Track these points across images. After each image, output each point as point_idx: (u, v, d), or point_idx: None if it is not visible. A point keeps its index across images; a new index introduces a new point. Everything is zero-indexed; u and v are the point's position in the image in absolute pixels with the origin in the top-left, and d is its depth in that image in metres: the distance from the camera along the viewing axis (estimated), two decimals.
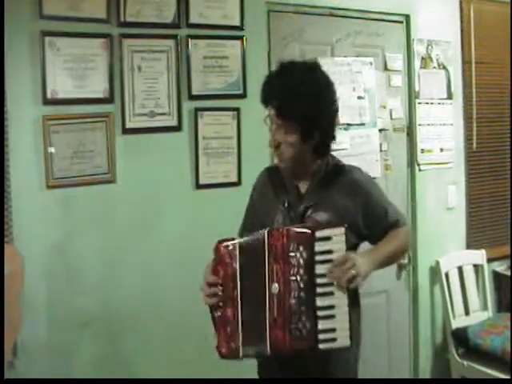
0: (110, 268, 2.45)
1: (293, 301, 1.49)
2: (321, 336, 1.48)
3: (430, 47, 3.26)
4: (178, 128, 2.57)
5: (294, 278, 1.50)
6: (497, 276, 3.55)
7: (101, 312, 2.43)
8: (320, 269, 1.50)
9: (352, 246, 1.64)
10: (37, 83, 2.29)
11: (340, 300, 1.49)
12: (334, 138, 1.70)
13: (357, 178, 1.71)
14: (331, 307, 1.49)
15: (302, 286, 1.49)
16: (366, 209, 1.68)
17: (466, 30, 3.38)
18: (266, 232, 1.54)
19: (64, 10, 2.31)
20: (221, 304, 1.58)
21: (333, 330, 1.48)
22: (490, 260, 3.45)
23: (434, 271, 3.27)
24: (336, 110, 1.68)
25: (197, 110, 2.60)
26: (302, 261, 1.50)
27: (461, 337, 3.12)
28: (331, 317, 1.48)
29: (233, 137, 2.68)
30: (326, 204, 1.65)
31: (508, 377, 2.82)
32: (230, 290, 1.57)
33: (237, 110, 2.68)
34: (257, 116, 2.72)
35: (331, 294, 1.49)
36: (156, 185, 2.54)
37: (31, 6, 2.26)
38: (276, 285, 1.51)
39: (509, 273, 3.47)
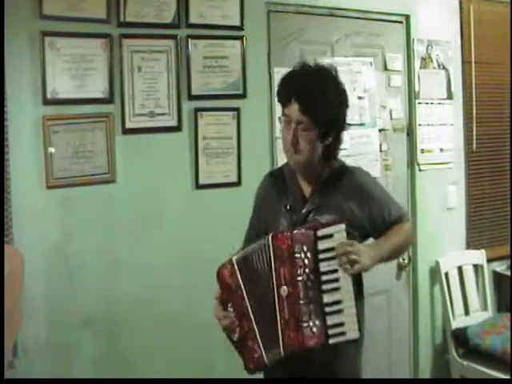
0: (109, 268, 2.45)
1: (302, 301, 1.53)
2: (330, 331, 1.51)
3: (429, 47, 3.26)
4: (177, 128, 2.57)
5: (300, 278, 1.53)
6: (497, 276, 3.55)
7: (101, 312, 2.43)
8: (324, 266, 1.53)
9: None
10: (37, 83, 2.29)
11: (346, 294, 1.53)
12: (342, 141, 1.79)
13: (360, 180, 1.76)
14: (338, 302, 1.52)
15: (309, 285, 1.53)
16: (369, 210, 1.72)
17: (466, 30, 3.38)
18: (270, 236, 1.57)
19: (64, 10, 2.31)
20: (237, 324, 1.62)
21: (341, 325, 1.51)
22: (489, 260, 3.45)
23: (434, 271, 3.28)
24: (346, 116, 1.75)
25: (197, 110, 2.60)
26: (306, 261, 1.53)
27: (461, 337, 3.12)
28: (339, 311, 1.52)
29: (233, 137, 2.68)
30: (329, 207, 1.69)
31: (508, 377, 2.82)
32: (239, 307, 1.61)
33: (237, 110, 2.68)
34: (257, 116, 2.76)
35: (337, 289, 1.53)
36: (156, 185, 2.54)
37: (31, 5, 2.26)
38: (285, 287, 1.54)
39: (509, 273, 3.47)
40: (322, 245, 1.54)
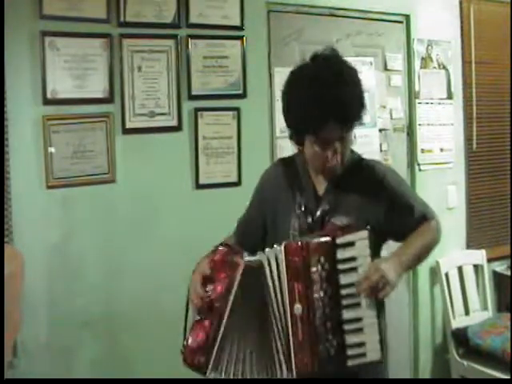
0: (109, 268, 2.45)
1: (318, 320, 1.38)
2: (349, 352, 1.38)
3: (429, 47, 3.26)
4: (178, 128, 2.57)
5: (317, 295, 1.39)
6: (497, 276, 3.55)
7: (101, 312, 2.43)
8: (344, 279, 1.39)
9: (376, 246, 1.51)
10: (37, 83, 2.29)
11: (367, 311, 1.39)
12: None
13: (379, 175, 1.57)
14: (358, 320, 1.39)
15: (326, 301, 1.38)
16: (389, 207, 1.55)
17: (466, 30, 3.39)
18: (282, 247, 1.41)
19: (64, 10, 2.31)
20: (205, 309, 1.49)
21: (362, 345, 1.38)
22: (490, 260, 3.45)
23: (434, 271, 3.27)
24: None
25: (197, 110, 2.60)
26: (324, 273, 1.39)
27: (461, 337, 3.12)
28: (359, 330, 1.38)
29: (233, 137, 2.68)
30: (345, 206, 1.52)
31: (508, 377, 2.82)
32: (221, 302, 1.47)
33: (237, 109, 2.68)
34: (257, 116, 2.76)
35: (357, 305, 1.39)
36: (156, 185, 2.54)
37: (31, 6, 2.26)
38: (298, 305, 1.39)
39: (509, 273, 3.47)
40: (341, 254, 1.39)
